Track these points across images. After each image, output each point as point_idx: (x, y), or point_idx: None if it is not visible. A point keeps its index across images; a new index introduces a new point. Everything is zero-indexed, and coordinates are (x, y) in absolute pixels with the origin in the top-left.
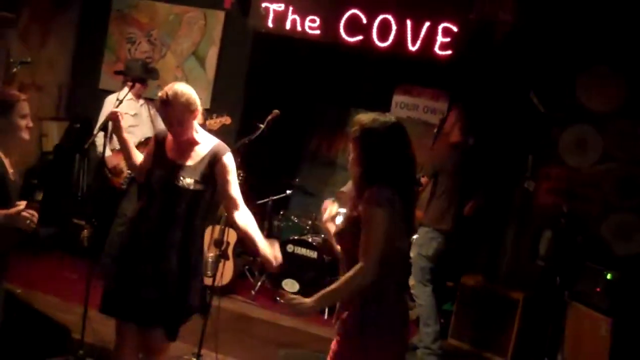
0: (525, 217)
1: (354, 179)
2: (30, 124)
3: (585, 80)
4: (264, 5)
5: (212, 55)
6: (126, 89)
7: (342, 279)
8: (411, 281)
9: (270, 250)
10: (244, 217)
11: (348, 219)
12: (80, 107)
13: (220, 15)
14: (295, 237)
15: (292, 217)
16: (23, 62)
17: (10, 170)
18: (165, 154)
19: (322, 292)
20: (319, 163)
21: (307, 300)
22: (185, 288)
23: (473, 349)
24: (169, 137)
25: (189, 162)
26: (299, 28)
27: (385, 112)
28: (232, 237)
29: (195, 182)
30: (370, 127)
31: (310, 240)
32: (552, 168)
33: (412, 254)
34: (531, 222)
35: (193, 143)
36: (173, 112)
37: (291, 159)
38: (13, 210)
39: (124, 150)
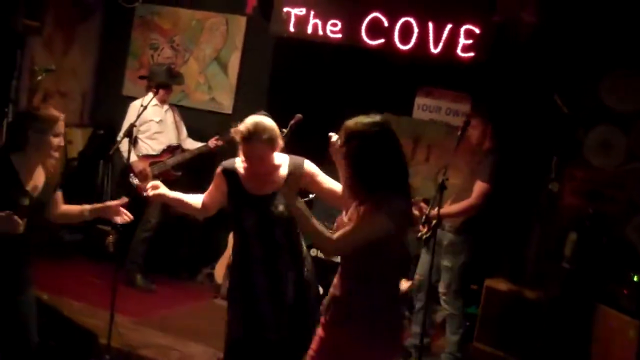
0: (550, 218)
1: (350, 189)
2: (62, 143)
3: (610, 81)
4: (285, 9)
5: (234, 61)
6: (151, 95)
7: (320, 229)
8: (443, 289)
9: None
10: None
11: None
12: (104, 113)
13: (242, 20)
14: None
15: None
16: (48, 70)
17: (33, 185)
18: (245, 190)
19: (307, 215)
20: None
21: (298, 201)
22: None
23: (498, 352)
24: (242, 171)
25: (269, 190)
26: (320, 32)
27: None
28: None
29: (287, 206)
30: (356, 130)
31: None
32: (576, 169)
33: (448, 263)
34: (556, 224)
35: (274, 170)
36: (252, 149)
37: (314, 163)
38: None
39: (179, 204)
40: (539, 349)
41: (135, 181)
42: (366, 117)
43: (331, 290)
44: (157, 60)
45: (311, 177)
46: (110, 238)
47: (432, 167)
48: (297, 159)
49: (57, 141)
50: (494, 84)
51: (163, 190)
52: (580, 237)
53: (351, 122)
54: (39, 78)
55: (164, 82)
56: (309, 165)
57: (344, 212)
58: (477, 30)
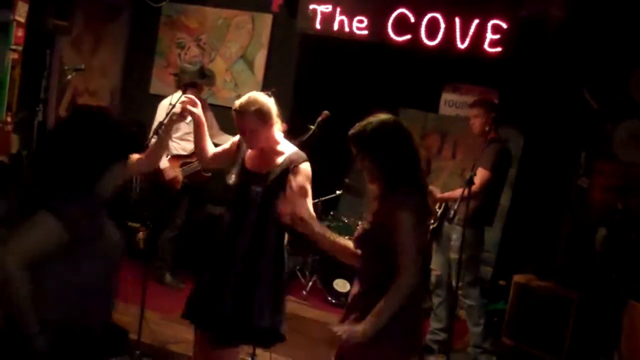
0: (580, 214)
1: (375, 187)
2: None
3: (639, 75)
4: (311, 7)
5: (260, 58)
6: (179, 93)
7: (388, 294)
8: (460, 282)
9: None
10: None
11: (371, 224)
12: (132, 111)
13: (268, 18)
14: (346, 237)
15: (342, 217)
16: (77, 69)
17: None
18: (244, 161)
19: (372, 315)
20: None
21: (360, 328)
22: (249, 301)
23: (527, 348)
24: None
25: (263, 171)
26: (346, 29)
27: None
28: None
29: (265, 190)
30: (366, 129)
31: None
32: (606, 164)
33: (458, 255)
34: (585, 219)
35: (272, 152)
36: (242, 121)
37: (340, 159)
38: None
39: (198, 130)
40: (567, 345)
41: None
42: (373, 118)
43: (353, 291)
44: (184, 59)
45: (296, 177)
46: (140, 235)
47: (459, 163)
48: (299, 155)
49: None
50: (522, 79)
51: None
52: (610, 233)
53: (359, 126)
54: (69, 77)
55: (192, 81)
56: (304, 167)
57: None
58: (504, 25)
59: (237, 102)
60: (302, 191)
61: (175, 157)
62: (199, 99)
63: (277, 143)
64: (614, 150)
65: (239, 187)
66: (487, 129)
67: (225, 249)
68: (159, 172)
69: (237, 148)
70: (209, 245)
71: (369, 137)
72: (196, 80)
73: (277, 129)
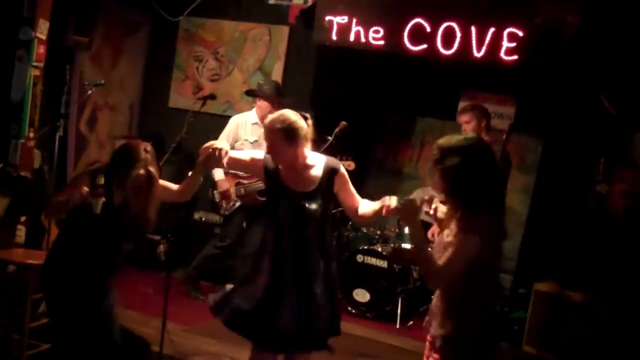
0: (600, 221)
1: (450, 205)
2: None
3: None
4: (327, 18)
5: (277, 70)
6: (253, 111)
7: (433, 260)
8: None
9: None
10: (366, 202)
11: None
12: (151, 125)
13: (285, 30)
14: (365, 247)
15: (361, 227)
16: (97, 85)
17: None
18: (283, 183)
19: (427, 249)
20: (385, 172)
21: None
22: (334, 313)
23: (548, 356)
24: (280, 166)
25: (310, 188)
26: (362, 39)
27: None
28: None
29: (320, 205)
30: (453, 146)
31: (380, 249)
32: (625, 170)
33: None
34: (605, 226)
35: (306, 168)
36: (268, 137)
37: (358, 169)
38: None
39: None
40: (589, 352)
41: (217, 198)
42: (459, 135)
43: (432, 309)
44: (202, 72)
45: (342, 182)
46: (161, 247)
47: None
48: (333, 160)
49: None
50: (539, 86)
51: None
52: (629, 239)
53: (445, 140)
54: (89, 92)
55: (267, 96)
56: (343, 170)
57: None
58: (520, 33)
59: (267, 119)
60: (351, 190)
61: (232, 176)
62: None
63: (306, 158)
64: (633, 156)
65: (293, 209)
66: (481, 134)
67: (300, 269)
68: (213, 183)
69: (262, 170)
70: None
71: (455, 149)
72: (275, 97)
73: (307, 148)
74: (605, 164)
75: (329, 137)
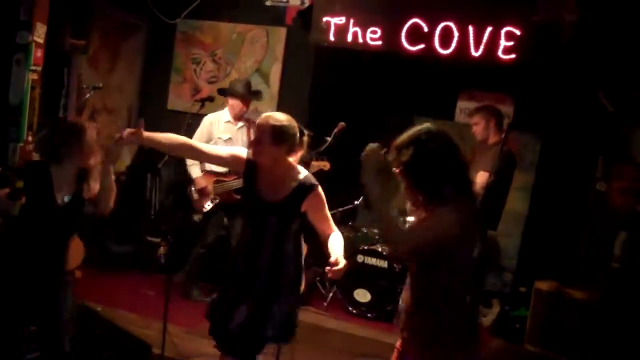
0: (599, 218)
1: (414, 198)
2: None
3: None
4: (325, 19)
5: (275, 71)
6: (226, 110)
7: (395, 218)
8: None
9: (339, 256)
10: (335, 237)
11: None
12: (150, 128)
13: (282, 31)
14: (365, 247)
15: (361, 227)
16: (95, 88)
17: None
18: (256, 187)
19: (386, 201)
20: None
21: (378, 187)
22: (264, 317)
23: (549, 354)
24: (260, 167)
25: (278, 199)
26: (360, 40)
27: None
28: (303, 249)
29: (281, 218)
30: (401, 143)
31: (380, 249)
32: (624, 168)
33: None
34: (605, 224)
35: (285, 178)
36: (256, 131)
37: (357, 170)
38: None
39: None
40: (590, 350)
41: (195, 196)
42: (413, 128)
43: (401, 302)
44: (200, 74)
45: (314, 203)
46: (161, 250)
47: (472, 171)
48: (311, 179)
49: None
50: (537, 84)
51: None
52: (630, 236)
53: (398, 139)
54: (87, 96)
55: (241, 94)
56: (317, 193)
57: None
58: (517, 32)
59: (264, 114)
60: (323, 214)
61: (209, 174)
62: (247, 119)
63: (289, 169)
64: (631, 153)
65: (255, 215)
66: (486, 135)
67: (245, 270)
68: (191, 181)
69: (244, 166)
70: (225, 263)
71: (408, 142)
72: (246, 96)
73: (293, 157)
74: (604, 161)
75: (328, 138)
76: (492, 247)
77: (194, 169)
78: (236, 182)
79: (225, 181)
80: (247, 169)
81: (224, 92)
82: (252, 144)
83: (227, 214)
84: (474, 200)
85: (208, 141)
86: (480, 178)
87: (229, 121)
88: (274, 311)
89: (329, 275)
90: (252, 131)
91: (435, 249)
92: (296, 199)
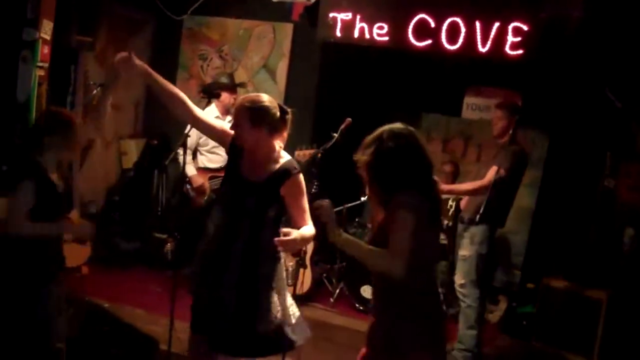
0: (607, 215)
1: (375, 197)
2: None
3: None
4: (331, 15)
5: (282, 67)
6: (213, 106)
7: (377, 251)
8: (460, 280)
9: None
10: (304, 229)
11: (376, 233)
12: (157, 124)
13: (289, 27)
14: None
15: (368, 223)
16: (102, 84)
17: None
18: (238, 168)
19: (354, 241)
20: None
21: (338, 232)
22: (252, 308)
23: (557, 351)
24: (245, 152)
25: (257, 180)
26: (367, 35)
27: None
28: (309, 245)
29: (258, 201)
30: (368, 140)
31: None
32: (632, 164)
33: (466, 252)
34: (613, 220)
35: (266, 161)
36: (235, 114)
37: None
38: None
39: (165, 94)
40: (598, 346)
41: (192, 194)
42: (381, 128)
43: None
44: (207, 71)
45: (291, 188)
46: (168, 246)
47: (484, 166)
48: (292, 164)
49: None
50: (545, 80)
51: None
52: (637, 233)
53: (369, 138)
54: (94, 92)
55: (227, 85)
56: (297, 179)
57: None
58: (525, 28)
59: (242, 96)
60: (299, 203)
61: (204, 171)
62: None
63: (272, 151)
64: (639, 149)
65: (233, 196)
66: (510, 132)
67: (220, 256)
68: (187, 179)
69: (229, 146)
70: (199, 253)
71: (370, 142)
72: (231, 86)
73: (276, 139)
74: (612, 157)
75: (335, 134)
76: (499, 244)
77: (189, 168)
78: None
79: (220, 177)
80: (231, 148)
81: (209, 91)
82: (232, 127)
83: None
84: (435, 202)
85: (199, 138)
86: (492, 172)
87: (217, 116)
88: (261, 303)
89: (277, 244)
90: None
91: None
92: (275, 182)
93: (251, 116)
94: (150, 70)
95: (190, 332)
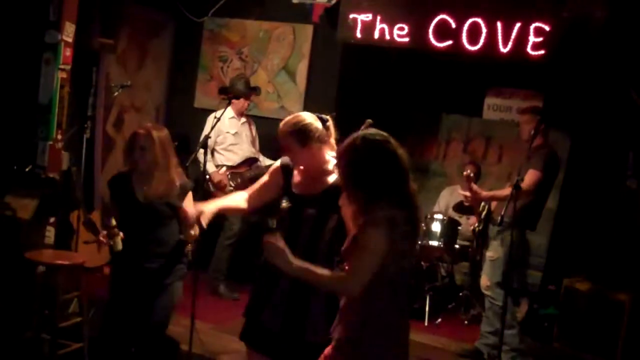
0: (629, 216)
1: (350, 205)
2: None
3: None
4: (351, 16)
5: (302, 69)
6: (229, 107)
7: (329, 275)
8: (487, 282)
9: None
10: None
11: (349, 245)
12: (177, 125)
13: (309, 29)
14: None
15: None
16: (124, 86)
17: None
18: (290, 183)
19: (308, 267)
20: (411, 170)
21: (291, 259)
22: (302, 317)
23: (579, 353)
24: (297, 169)
25: (314, 192)
26: (387, 37)
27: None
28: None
29: (319, 210)
30: (343, 148)
31: None
32: None
33: (494, 254)
34: (635, 221)
35: (321, 174)
36: (281, 141)
37: None
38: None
39: (225, 212)
40: (620, 349)
41: (213, 189)
42: (354, 134)
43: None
44: (227, 72)
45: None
46: (188, 247)
47: (505, 166)
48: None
49: (137, 154)
50: (567, 81)
51: (206, 213)
52: None
53: (344, 144)
54: (115, 94)
55: (241, 92)
56: None
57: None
58: (546, 28)
59: (283, 121)
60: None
61: (222, 167)
62: (247, 116)
63: (325, 163)
64: None
65: (292, 210)
66: (540, 135)
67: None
68: (207, 176)
69: (281, 174)
70: (257, 264)
71: (345, 150)
72: (245, 92)
73: (327, 150)
74: (635, 158)
75: None
76: (521, 245)
77: (208, 165)
78: (249, 173)
79: (239, 172)
80: (283, 169)
81: (225, 91)
82: (283, 152)
83: None
84: (412, 209)
85: (216, 137)
86: (530, 175)
87: (233, 117)
88: (312, 310)
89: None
90: (253, 127)
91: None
92: (334, 193)
93: (297, 139)
94: (219, 206)
95: (247, 346)
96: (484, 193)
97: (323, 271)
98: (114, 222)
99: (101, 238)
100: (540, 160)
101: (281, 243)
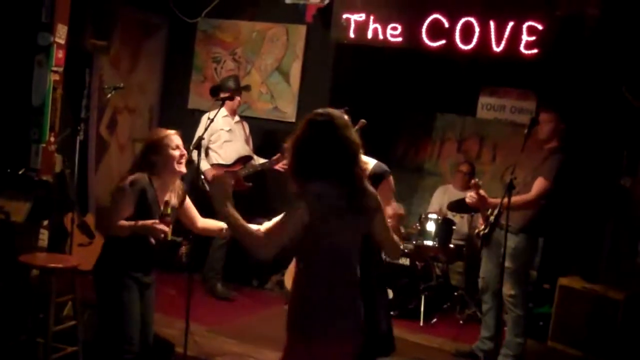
0: (624, 214)
1: (292, 184)
2: (183, 154)
3: None
4: (345, 16)
5: (295, 69)
6: (223, 108)
7: (250, 231)
8: (511, 291)
9: None
10: None
11: None
12: (171, 127)
13: (302, 29)
14: None
15: None
16: (117, 88)
17: (166, 200)
18: None
19: (237, 216)
20: (406, 169)
21: (225, 205)
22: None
23: (574, 352)
24: None
25: None
26: (380, 36)
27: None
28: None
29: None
30: (296, 130)
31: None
32: None
33: (511, 265)
34: (630, 220)
35: None
36: None
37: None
38: (149, 222)
39: None
40: (615, 347)
41: (208, 187)
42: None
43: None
44: (221, 73)
45: (384, 190)
46: (183, 249)
47: (499, 166)
48: (385, 169)
49: (177, 153)
50: (560, 80)
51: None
52: None
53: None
54: (108, 96)
55: (232, 89)
56: (390, 181)
57: None
58: (539, 27)
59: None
60: (387, 202)
61: (217, 166)
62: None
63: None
64: None
65: None
66: (558, 136)
67: None
68: (201, 174)
69: None
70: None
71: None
72: (236, 89)
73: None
74: (629, 157)
75: None
76: (532, 253)
77: (203, 163)
78: (244, 171)
79: (233, 171)
80: None
81: (216, 91)
82: None
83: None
84: (355, 190)
85: (210, 136)
86: (538, 184)
87: (226, 115)
88: (379, 303)
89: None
90: (246, 127)
91: (294, 241)
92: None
93: None
94: None
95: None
96: (490, 200)
97: (248, 225)
98: (169, 210)
99: (162, 226)
100: (552, 169)
101: (229, 187)
